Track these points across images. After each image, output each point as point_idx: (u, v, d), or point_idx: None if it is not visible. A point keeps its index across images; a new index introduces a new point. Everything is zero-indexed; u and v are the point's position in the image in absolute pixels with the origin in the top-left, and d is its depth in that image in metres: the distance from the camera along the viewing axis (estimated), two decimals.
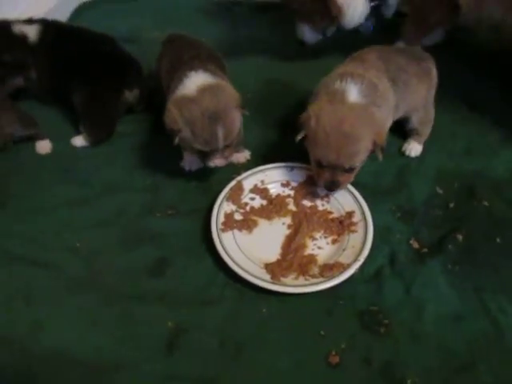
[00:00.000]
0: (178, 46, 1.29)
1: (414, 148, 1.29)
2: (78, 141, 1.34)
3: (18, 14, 1.51)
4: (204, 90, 1.08)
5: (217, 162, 1.13)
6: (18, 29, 1.37)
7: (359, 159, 1.07)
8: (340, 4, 1.38)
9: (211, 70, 1.16)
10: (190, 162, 1.23)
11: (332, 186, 1.10)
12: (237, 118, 1.11)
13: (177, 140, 1.09)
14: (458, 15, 1.40)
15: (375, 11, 1.49)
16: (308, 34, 1.47)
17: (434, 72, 1.25)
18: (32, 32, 1.37)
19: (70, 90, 1.34)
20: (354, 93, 1.07)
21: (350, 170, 1.08)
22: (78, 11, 1.87)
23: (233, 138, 1.12)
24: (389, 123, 1.16)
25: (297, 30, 1.53)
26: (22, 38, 1.36)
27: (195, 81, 1.10)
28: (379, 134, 1.06)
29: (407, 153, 1.29)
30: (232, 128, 1.10)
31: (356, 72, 1.11)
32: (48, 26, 1.40)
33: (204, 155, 1.13)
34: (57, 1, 1.69)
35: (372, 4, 1.42)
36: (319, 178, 1.11)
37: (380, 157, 1.08)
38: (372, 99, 1.08)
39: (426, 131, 1.29)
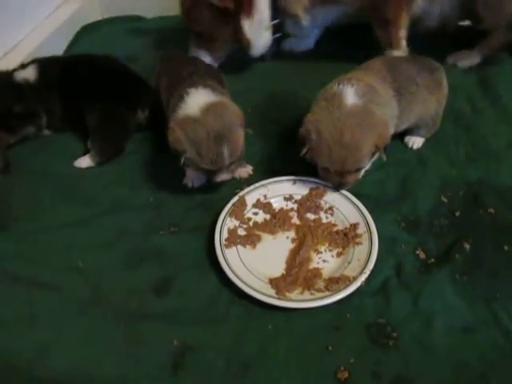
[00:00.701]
0: (176, 63, 1.31)
1: (416, 140, 1.30)
2: (84, 162, 1.33)
3: (19, 39, 1.53)
4: (208, 110, 1.09)
5: (223, 177, 1.14)
6: (18, 76, 1.37)
7: (365, 162, 1.09)
8: (248, 37, 1.52)
9: (211, 86, 1.17)
10: (192, 179, 1.23)
11: (340, 187, 1.14)
12: (241, 136, 1.12)
13: (182, 160, 1.09)
14: None
15: (276, 41, 1.66)
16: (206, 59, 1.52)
17: (445, 83, 1.25)
18: (31, 73, 1.37)
19: (82, 113, 1.35)
20: (350, 94, 1.09)
21: (358, 170, 1.11)
22: (79, 34, 1.89)
23: (238, 156, 1.13)
24: (391, 123, 1.15)
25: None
26: (26, 84, 1.36)
27: (197, 99, 1.11)
28: (381, 135, 1.07)
29: (409, 145, 1.30)
30: (237, 146, 1.11)
31: (354, 77, 1.12)
32: (42, 63, 1.41)
33: (209, 172, 1.14)
34: (57, 25, 1.72)
35: (274, 36, 1.60)
36: (327, 180, 1.16)
37: (384, 157, 1.08)
38: (370, 98, 1.09)
39: (430, 134, 1.30)
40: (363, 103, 1.08)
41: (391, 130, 1.15)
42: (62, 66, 1.41)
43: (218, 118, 1.08)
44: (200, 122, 1.07)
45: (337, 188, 1.15)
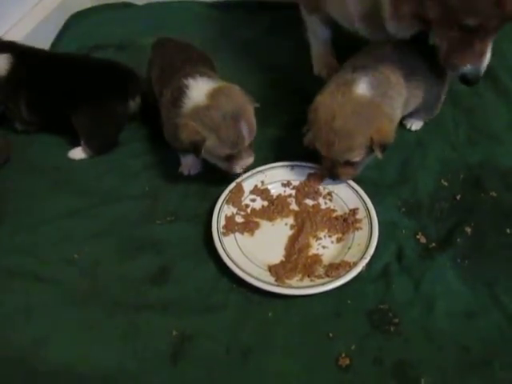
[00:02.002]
0: (168, 50, 1.28)
1: (415, 122, 1.28)
2: (77, 153, 1.31)
3: (9, 26, 1.50)
4: (215, 95, 1.07)
5: (244, 162, 1.11)
6: None
7: (354, 155, 1.05)
8: None
9: (207, 74, 1.14)
10: (189, 167, 1.21)
11: (332, 176, 1.12)
12: (253, 113, 1.10)
13: (203, 152, 1.07)
14: None
15: None
16: None
17: None
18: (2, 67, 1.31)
19: (66, 113, 1.29)
20: (362, 84, 1.06)
21: (349, 163, 1.07)
22: (69, 22, 1.85)
23: (254, 133, 1.11)
24: (397, 119, 1.13)
25: None
26: None
27: (200, 88, 1.09)
28: (380, 130, 1.03)
29: (408, 126, 1.28)
30: (253, 122, 1.10)
31: (370, 65, 1.10)
32: (17, 57, 1.33)
33: (229, 160, 1.10)
34: (47, 12, 1.68)
35: None
36: (323, 164, 1.13)
37: (379, 155, 1.04)
38: (382, 91, 1.06)
39: (430, 117, 1.29)
40: (371, 96, 1.05)
41: (395, 125, 1.10)
42: (39, 64, 1.35)
43: (228, 100, 1.06)
44: (213, 107, 1.05)
45: (331, 178, 1.13)
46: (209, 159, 1.14)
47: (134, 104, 1.35)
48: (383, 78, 1.08)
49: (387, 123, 1.06)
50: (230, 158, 1.10)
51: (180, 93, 1.10)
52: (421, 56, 1.15)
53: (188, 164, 1.21)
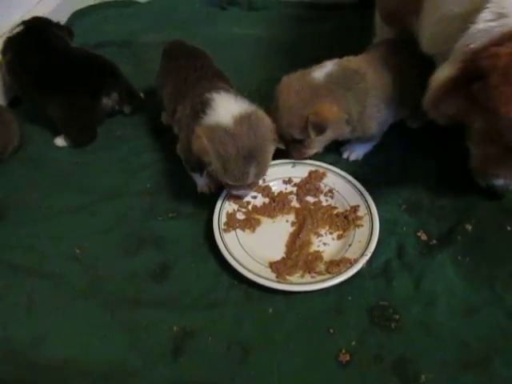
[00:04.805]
0: (180, 62, 1.22)
1: (416, 120, 1.27)
2: (60, 141, 1.32)
3: (9, 26, 1.50)
4: (241, 121, 1.00)
5: (241, 193, 1.09)
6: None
7: (296, 132, 1.09)
8: None
9: (231, 91, 1.10)
10: (207, 185, 1.16)
11: (291, 154, 1.17)
12: (270, 153, 1.05)
13: (205, 172, 1.04)
14: None
15: None
16: None
17: None
18: None
19: (43, 102, 1.32)
20: (321, 70, 1.10)
21: (298, 141, 1.12)
22: (71, 19, 1.85)
23: (263, 175, 1.08)
24: (356, 112, 1.11)
25: None
26: None
27: (229, 108, 1.02)
28: (318, 112, 1.05)
29: (408, 124, 1.28)
30: (265, 165, 1.04)
31: (352, 60, 1.12)
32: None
33: (228, 185, 1.07)
34: (50, 10, 1.67)
35: None
36: None
37: (312, 135, 1.07)
38: (343, 82, 1.08)
39: None
40: (324, 82, 1.08)
41: (342, 115, 1.09)
42: (32, 43, 1.38)
43: (251, 133, 0.99)
44: (231, 135, 0.98)
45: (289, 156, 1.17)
46: (209, 173, 1.07)
47: (108, 100, 1.34)
48: (351, 72, 1.10)
49: (329, 109, 1.07)
50: (229, 185, 1.06)
51: (204, 104, 1.04)
52: (419, 59, 1.14)
53: (205, 181, 1.16)
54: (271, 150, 1.04)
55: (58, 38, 1.42)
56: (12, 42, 1.41)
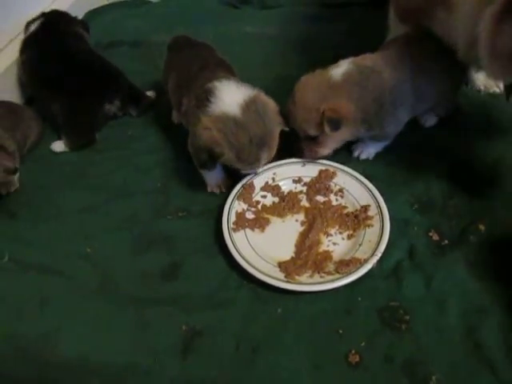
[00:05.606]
0: (184, 54, 1.24)
1: (429, 119, 1.27)
2: (58, 146, 1.33)
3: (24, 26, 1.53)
4: (248, 109, 1.02)
5: (252, 171, 1.13)
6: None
7: (310, 127, 1.10)
8: None
9: (233, 79, 1.11)
10: (217, 184, 1.17)
11: (298, 152, 1.17)
12: (277, 136, 1.07)
13: (215, 165, 1.07)
14: None
15: None
16: None
17: None
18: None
19: (48, 102, 1.35)
20: (338, 69, 1.10)
21: (311, 138, 1.12)
22: (85, 19, 1.85)
23: (272, 156, 1.09)
24: (371, 111, 1.10)
25: None
26: None
27: (233, 96, 1.03)
28: (333, 108, 1.05)
29: (422, 122, 1.27)
30: (275, 148, 1.07)
31: (369, 57, 1.12)
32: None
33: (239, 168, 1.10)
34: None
35: None
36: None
37: (326, 130, 1.06)
38: (358, 81, 1.08)
39: (446, 113, 1.27)
40: (341, 80, 1.07)
41: (359, 113, 1.09)
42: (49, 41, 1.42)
43: (260, 120, 1.02)
44: (241, 125, 1.00)
45: (300, 155, 1.17)
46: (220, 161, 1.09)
47: (112, 106, 1.37)
48: (368, 70, 1.09)
49: (345, 106, 1.06)
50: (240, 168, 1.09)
51: (208, 93, 1.05)
52: (435, 55, 1.13)
53: (214, 181, 1.17)
54: (277, 133, 1.07)
55: (71, 38, 1.45)
56: (27, 42, 1.45)
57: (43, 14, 1.50)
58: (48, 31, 1.45)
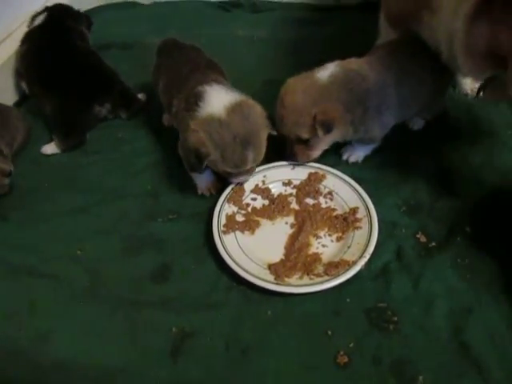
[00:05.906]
0: (174, 57, 1.25)
1: (417, 122, 1.28)
2: (49, 148, 1.33)
3: (18, 24, 1.53)
4: (233, 111, 1.04)
5: (241, 179, 1.12)
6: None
7: (302, 131, 1.09)
8: None
9: (223, 83, 1.13)
10: (207, 187, 1.17)
11: (290, 157, 1.17)
12: (265, 139, 1.08)
13: (205, 164, 1.05)
14: None
15: None
16: None
17: None
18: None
19: (41, 98, 1.37)
20: (325, 71, 1.10)
21: (303, 142, 1.12)
22: None
23: (261, 159, 1.10)
24: (359, 114, 1.11)
25: None
26: None
27: (220, 98, 1.06)
28: (324, 111, 1.06)
29: (409, 125, 1.29)
30: (261, 150, 1.08)
31: (353, 61, 1.13)
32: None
33: (228, 173, 1.10)
34: None
35: None
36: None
37: (320, 133, 1.07)
38: (344, 83, 1.09)
39: (432, 115, 1.28)
40: (328, 82, 1.09)
41: (346, 116, 1.10)
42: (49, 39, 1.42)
43: (244, 121, 1.03)
44: (226, 125, 1.02)
45: (290, 158, 1.17)
46: (209, 165, 1.10)
47: (102, 109, 1.37)
48: (353, 73, 1.10)
49: (335, 108, 1.08)
50: (229, 173, 1.09)
51: (197, 97, 1.07)
52: (422, 60, 1.14)
53: (204, 184, 1.17)
54: (265, 135, 1.08)
55: (72, 36, 1.46)
56: (29, 35, 1.46)
57: (47, 8, 1.51)
58: (52, 26, 1.47)
